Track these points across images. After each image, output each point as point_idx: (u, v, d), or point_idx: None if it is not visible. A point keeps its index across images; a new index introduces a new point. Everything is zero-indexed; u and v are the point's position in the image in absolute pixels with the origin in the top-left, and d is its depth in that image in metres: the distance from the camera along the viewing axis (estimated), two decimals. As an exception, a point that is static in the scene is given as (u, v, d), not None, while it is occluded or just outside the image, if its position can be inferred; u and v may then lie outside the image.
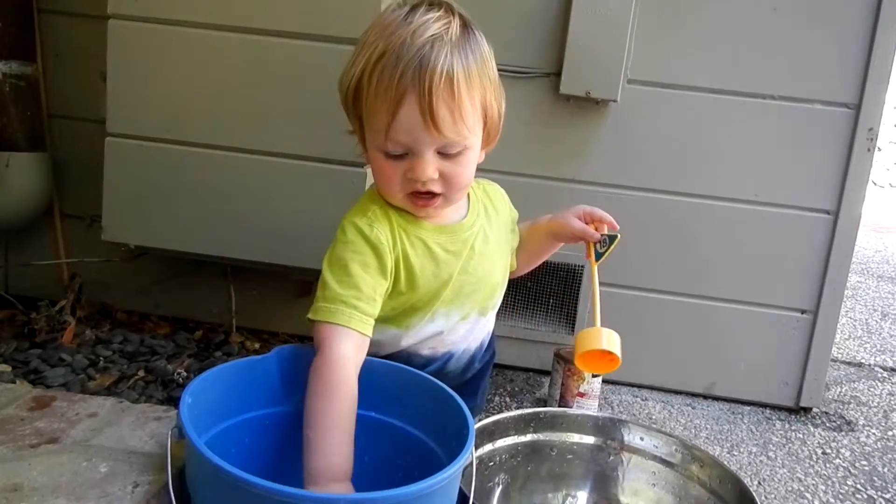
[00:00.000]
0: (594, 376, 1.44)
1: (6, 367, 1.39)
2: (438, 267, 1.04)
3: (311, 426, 0.87)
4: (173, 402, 1.33)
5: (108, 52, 1.46)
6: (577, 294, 1.69)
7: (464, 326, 1.10)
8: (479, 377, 1.19)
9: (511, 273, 1.22)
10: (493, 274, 1.11)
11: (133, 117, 1.48)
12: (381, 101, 0.94)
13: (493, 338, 1.22)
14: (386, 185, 1.01)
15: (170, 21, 1.44)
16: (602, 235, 1.11)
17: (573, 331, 1.69)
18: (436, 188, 0.99)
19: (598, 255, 1.10)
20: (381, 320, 1.02)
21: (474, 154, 1.02)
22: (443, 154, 0.97)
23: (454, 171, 0.98)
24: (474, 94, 0.97)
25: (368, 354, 0.98)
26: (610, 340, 0.97)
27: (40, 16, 1.68)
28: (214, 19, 1.43)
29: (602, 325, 1.00)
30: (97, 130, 1.52)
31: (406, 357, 1.07)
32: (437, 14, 0.96)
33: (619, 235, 1.10)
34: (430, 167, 0.96)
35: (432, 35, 0.93)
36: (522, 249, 1.22)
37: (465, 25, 0.99)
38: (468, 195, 1.13)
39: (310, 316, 0.96)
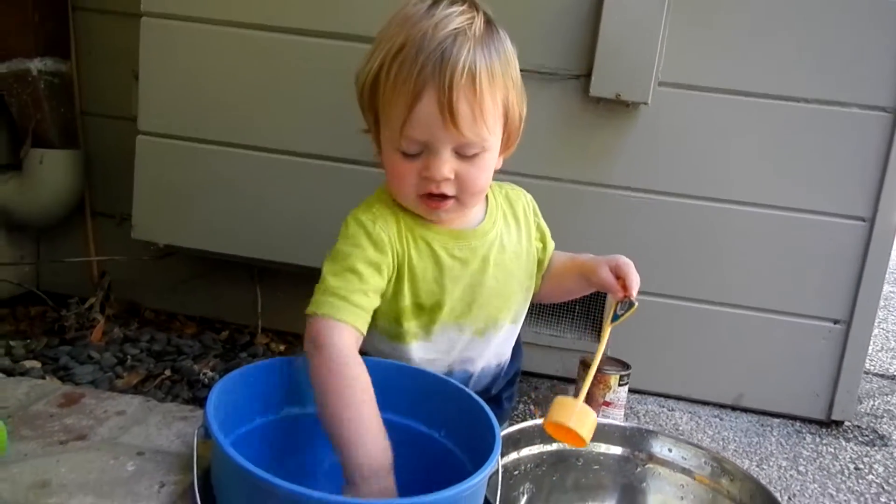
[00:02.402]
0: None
1: (36, 364, 1.41)
2: (441, 272, 1.00)
3: (339, 424, 0.84)
4: (199, 402, 1.33)
5: (140, 50, 1.47)
6: (604, 300, 1.66)
7: (481, 343, 1.06)
8: (506, 387, 1.17)
9: (533, 295, 1.17)
10: (510, 285, 1.06)
11: (165, 115, 1.50)
12: (398, 95, 0.90)
13: (520, 347, 1.19)
14: (398, 184, 0.97)
15: (202, 19, 1.45)
16: (626, 297, 1.02)
17: (598, 339, 1.67)
18: (449, 190, 0.95)
19: (615, 317, 1.02)
20: (392, 335, 1.01)
21: (492, 157, 0.98)
22: (459, 154, 0.94)
23: (470, 174, 0.95)
24: (496, 92, 0.94)
25: None
26: (581, 421, 0.90)
27: (75, 13, 1.71)
28: (247, 18, 1.43)
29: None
30: (129, 128, 1.54)
31: None
32: (461, 9, 0.93)
33: (636, 304, 1.02)
34: (446, 166, 0.93)
35: (455, 29, 0.90)
36: (553, 280, 1.15)
37: (489, 23, 0.96)
38: (487, 200, 1.08)
39: (306, 310, 0.93)
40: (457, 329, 1.03)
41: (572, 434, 0.89)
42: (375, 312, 0.98)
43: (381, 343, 1.04)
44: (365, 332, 0.94)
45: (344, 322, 0.90)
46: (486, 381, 1.11)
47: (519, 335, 1.18)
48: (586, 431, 0.89)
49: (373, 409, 0.86)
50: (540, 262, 1.15)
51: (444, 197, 0.96)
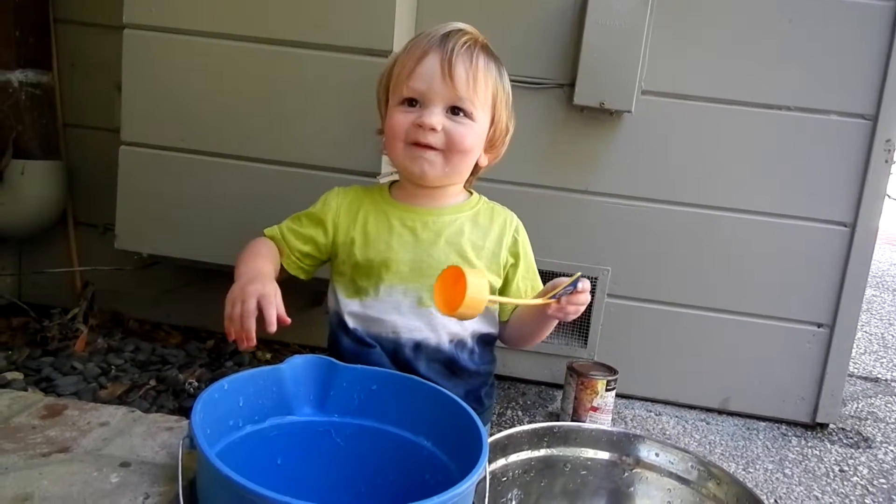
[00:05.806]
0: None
1: (18, 375, 1.39)
2: (391, 234, 1.15)
3: (237, 265, 1.08)
4: (184, 411, 1.32)
5: (123, 62, 1.47)
6: (590, 306, 1.67)
7: (426, 314, 1.12)
8: (479, 383, 1.20)
9: (504, 333, 1.23)
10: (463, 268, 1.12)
11: (147, 126, 1.49)
12: (408, 59, 1.10)
13: (489, 342, 1.22)
14: (393, 135, 1.11)
15: (185, 31, 1.44)
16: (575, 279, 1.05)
17: (586, 344, 1.68)
18: (437, 142, 1.09)
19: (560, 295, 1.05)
20: (351, 293, 1.16)
21: (478, 130, 1.12)
22: (450, 115, 1.09)
23: (457, 131, 1.09)
24: (488, 80, 1.11)
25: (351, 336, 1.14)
26: (475, 283, 0.92)
27: (56, 25, 1.70)
28: (229, 29, 1.43)
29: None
30: (111, 139, 1.53)
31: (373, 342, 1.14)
32: (469, 29, 1.13)
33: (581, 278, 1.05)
34: (436, 118, 1.08)
35: (461, 29, 1.11)
36: (517, 318, 1.21)
37: (490, 47, 1.14)
38: (471, 200, 1.20)
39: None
40: (401, 292, 1.13)
41: (458, 288, 0.92)
42: (339, 278, 1.18)
43: (347, 306, 1.16)
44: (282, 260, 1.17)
45: (265, 237, 1.18)
46: (438, 357, 1.15)
47: (496, 341, 1.23)
48: (470, 296, 0.91)
49: (266, 260, 1.10)
50: (507, 281, 1.20)
51: (429, 147, 1.09)
